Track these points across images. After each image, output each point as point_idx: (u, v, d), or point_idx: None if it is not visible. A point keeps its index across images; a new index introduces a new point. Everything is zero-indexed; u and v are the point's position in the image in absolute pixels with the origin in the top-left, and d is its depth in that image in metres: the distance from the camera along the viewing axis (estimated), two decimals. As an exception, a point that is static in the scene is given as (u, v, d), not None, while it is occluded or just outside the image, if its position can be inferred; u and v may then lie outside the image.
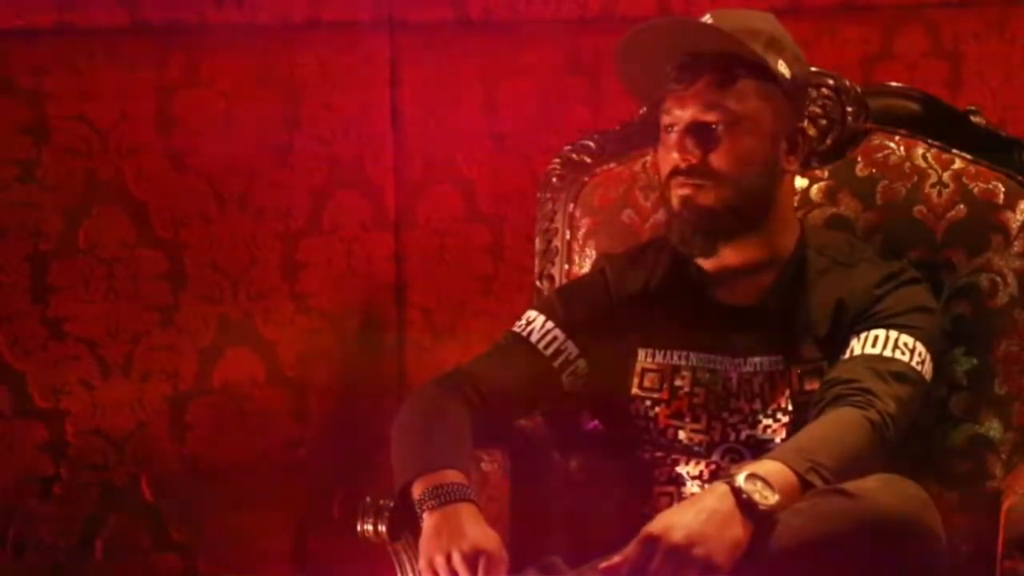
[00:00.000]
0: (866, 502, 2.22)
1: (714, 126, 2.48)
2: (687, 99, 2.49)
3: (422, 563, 2.31)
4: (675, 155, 2.50)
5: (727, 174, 2.49)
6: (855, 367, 2.45)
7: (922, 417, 2.56)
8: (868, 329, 2.49)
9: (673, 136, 2.51)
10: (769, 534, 2.22)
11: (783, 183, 2.57)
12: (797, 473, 2.27)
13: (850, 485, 2.25)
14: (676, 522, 2.20)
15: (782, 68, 2.51)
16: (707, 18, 2.52)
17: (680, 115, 2.50)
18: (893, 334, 2.48)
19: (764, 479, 2.24)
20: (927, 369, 2.49)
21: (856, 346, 2.48)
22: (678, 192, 2.52)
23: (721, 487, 2.24)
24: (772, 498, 2.22)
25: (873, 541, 2.20)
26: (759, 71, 2.49)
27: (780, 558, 2.22)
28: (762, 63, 2.49)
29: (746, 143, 2.50)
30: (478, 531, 2.30)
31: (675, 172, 2.51)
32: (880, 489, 2.24)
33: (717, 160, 2.49)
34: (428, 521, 2.32)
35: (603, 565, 2.24)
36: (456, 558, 2.27)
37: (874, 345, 2.47)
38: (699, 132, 2.49)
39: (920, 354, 2.48)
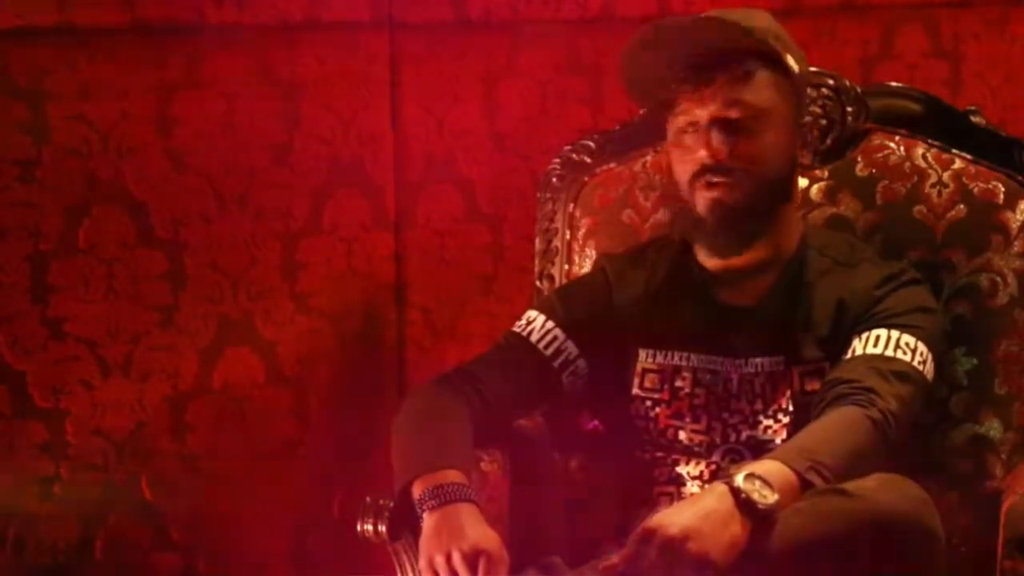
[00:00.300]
0: (866, 502, 2.22)
1: (737, 122, 2.48)
2: (706, 97, 2.49)
3: (422, 563, 2.31)
4: (701, 152, 2.49)
5: (755, 167, 2.49)
6: (857, 367, 2.45)
7: (923, 417, 2.56)
8: (869, 329, 2.49)
9: (692, 136, 2.50)
10: (769, 534, 2.22)
11: (796, 179, 2.58)
12: (797, 472, 2.26)
13: (850, 485, 2.25)
14: (674, 519, 2.20)
15: (791, 62, 2.51)
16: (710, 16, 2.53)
17: (700, 114, 2.49)
18: (895, 334, 2.48)
19: (763, 478, 2.23)
20: (928, 369, 2.49)
21: (858, 346, 2.48)
22: (706, 195, 2.50)
23: (720, 487, 2.24)
24: (771, 497, 2.22)
25: (873, 541, 2.20)
26: (772, 65, 2.49)
27: (780, 558, 2.22)
28: (777, 56, 2.49)
29: (769, 136, 2.50)
30: (478, 531, 2.30)
31: (702, 171, 2.50)
32: (880, 489, 2.24)
33: (744, 154, 2.48)
34: (428, 521, 2.32)
35: (603, 565, 2.24)
36: (456, 558, 2.27)
37: (876, 345, 2.47)
38: (723, 127, 2.48)
39: (922, 353, 2.48)
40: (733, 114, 2.48)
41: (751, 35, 2.47)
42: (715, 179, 2.49)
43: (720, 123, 2.48)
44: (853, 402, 2.39)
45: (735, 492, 2.22)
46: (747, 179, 2.49)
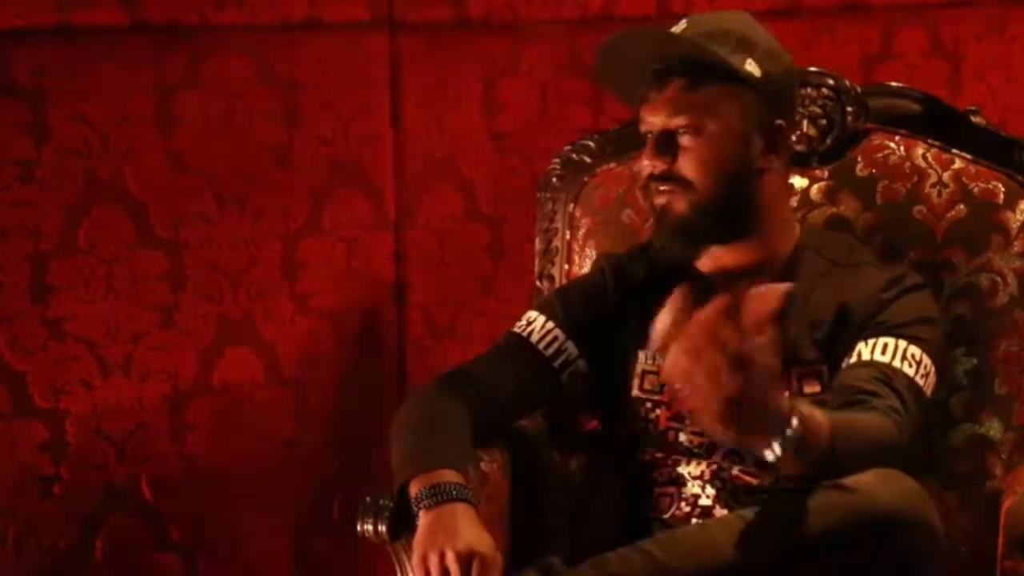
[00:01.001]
0: (863, 496, 2.22)
1: (682, 132, 2.50)
2: (658, 106, 2.52)
3: (415, 560, 2.31)
4: (646, 162, 2.52)
5: (696, 179, 2.50)
6: (868, 376, 2.42)
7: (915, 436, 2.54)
8: (876, 336, 2.48)
9: (649, 143, 2.53)
10: (767, 528, 2.22)
11: (764, 183, 2.56)
12: (833, 437, 2.23)
13: (848, 480, 2.24)
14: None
15: (751, 67, 2.51)
16: (682, 23, 2.55)
17: (653, 122, 2.53)
18: (902, 344, 2.47)
19: (803, 434, 2.19)
20: (929, 383, 2.48)
21: (864, 351, 2.47)
22: (656, 200, 2.55)
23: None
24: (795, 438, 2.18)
25: (870, 534, 2.20)
26: (725, 72, 2.50)
27: (778, 551, 2.22)
28: (725, 64, 2.49)
29: (714, 146, 2.51)
30: (473, 532, 2.30)
31: (649, 178, 2.54)
32: (877, 483, 2.24)
33: (685, 166, 2.51)
34: (424, 520, 2.32)
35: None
36: (450, 557, 2.27)
37: (884, 353, 2.46)
38: (668, 139, 2.51)
39: (925, 367, 2.47)
40: (678, 123, 2.50)
41: (695, 45, 2.47)
42: (662, 187, 2.53)
43: (667, 133, 2.51)
44: (892, 421, 2.37)
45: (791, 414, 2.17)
46: (691, 189, 2.51)
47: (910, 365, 2.46)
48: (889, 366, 2.45)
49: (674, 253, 2.56)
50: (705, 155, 2.50)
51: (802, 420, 2.19)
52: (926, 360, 2.48)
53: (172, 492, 3.36)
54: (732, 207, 2.53)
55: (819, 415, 2.24)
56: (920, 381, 2.46)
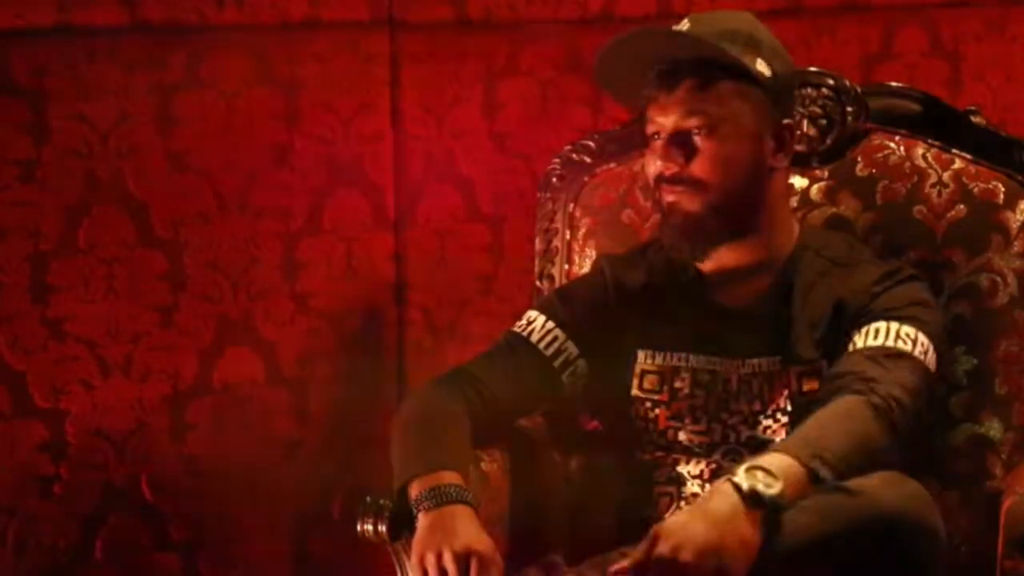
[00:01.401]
0: (868, 499, 2.22)
1: (695, 132, 2.49)
2: (669, 106, 2.50)
3: (413, 560, 2.31)
4: (658, 163, 2.51)
5: (711, 180, 2.50)
6: (856, 359, 2.44)
7: (927, 410, 2.54)
8: (868, 323, 2.48)
9: (657, 144, 2.52)
10: (775, 531, 2.22)
11: (772, 182, 2.56)
12: (800, 461, 2.25)
13: (852, 483, 2.24)
14: (684, 539, 2.16)
15: (761, 67, 2.51)
16: (684, 22, 2.53)
17: (663, 123, 2.51)
18: (894, 325, 2.47)
19: (765, 469, 2.22)
20: (930, 359, 2.47)
21: (858, 340, 2.47)
22: (665, 198, 2.53)
23: (723, 485, 2.22)
24: (776, 485, 2.20)
25: (874, 538, 2.20)
26: (737, 72, 2.49)
27: (783, 555, 2.22)
28: (739, 64, 2.49)
29: (729, 146, 2.50)
30: (471, 532, 2.30)
31: (659, 179, 2.52)
32: (882, 487, 2.24)
33: (699, 167, 2.50)
34: (423, 521, 2.32)
35: (611, 569, 2.21)
36: (447, 557, 2.27)
37: (875, 337, 2.46)
38: (681, 139, 2.50)
39: (922, 344, 2.47)
40: (692, 123, 2.49)
41: (709, 45, 2.47)
42: (672, 188, 2.51)
43: (679, 134, 2.50)
44: (852, 391, 2.37)
45: (738, 487, 2.21)
46: (704, 190, 2.50)
47: (904, 343, 2.45)
48: (881, 347, 2.44)
49: (682, 253, 2.56)
50: (721, 155, 2.50)
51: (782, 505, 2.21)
52: (922, 338, 2.47)
53: (172, 492, 3.36)
54: (741, 207, 2.53)
55: (780, 463, 2.24)
56: (920, 357, 2.45)
